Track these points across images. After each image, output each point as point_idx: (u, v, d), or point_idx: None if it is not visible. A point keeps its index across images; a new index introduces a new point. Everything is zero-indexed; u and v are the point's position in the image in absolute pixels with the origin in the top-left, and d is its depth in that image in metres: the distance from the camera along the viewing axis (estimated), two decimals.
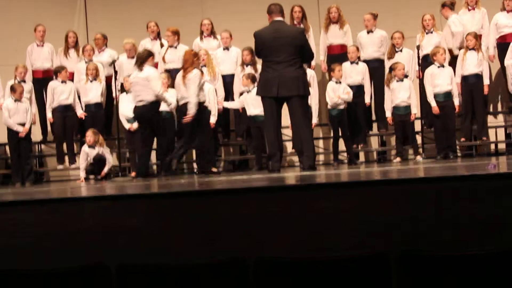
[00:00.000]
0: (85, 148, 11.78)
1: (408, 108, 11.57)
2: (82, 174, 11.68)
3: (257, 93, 9.61)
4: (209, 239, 4.91)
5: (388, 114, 11.76)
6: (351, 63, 12.33)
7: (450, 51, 12.00)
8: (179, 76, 10.78)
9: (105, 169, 11.72)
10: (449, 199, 4.85)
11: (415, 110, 11.57)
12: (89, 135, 11.71)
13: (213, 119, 11.71)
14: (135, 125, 11.71)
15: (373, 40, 12.57)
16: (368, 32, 12.57)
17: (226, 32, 12.74)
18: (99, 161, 11.73)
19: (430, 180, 5.47)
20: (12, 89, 12.06)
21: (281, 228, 4.92)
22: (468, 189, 4.89)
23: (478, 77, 11.75)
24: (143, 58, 10.77)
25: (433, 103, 11.40)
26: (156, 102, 10.81)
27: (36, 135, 13.06)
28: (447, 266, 4.06)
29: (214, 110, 11.75)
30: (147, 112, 10.78)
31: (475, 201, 4.78)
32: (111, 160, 11.91)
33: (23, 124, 12.01)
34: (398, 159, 11.52)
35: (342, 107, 11.64)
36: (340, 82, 11.70)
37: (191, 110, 10.43)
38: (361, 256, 4.19)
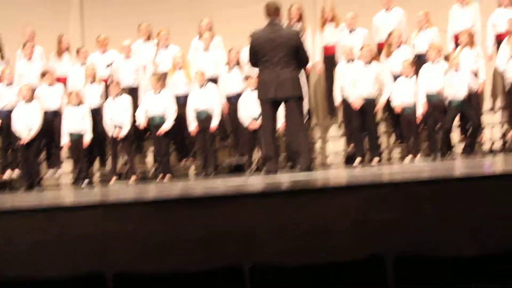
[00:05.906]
0: None
1: (413, 106, 11.40)
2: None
3: (258, 97, 9.58)
4: (205, 245, 4.90)
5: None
6: (348, 61, 12.16)
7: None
8: None
9: None
10: (443, 200, 4.84)
11: (421, 109, 11.36)
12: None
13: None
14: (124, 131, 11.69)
15: (356, 39, 12.37)
16: (350, 31, 12.40)
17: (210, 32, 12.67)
18: None
19: (424, 181, 5.45)
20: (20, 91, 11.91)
21: (276, 233, 4.90)
22: (464, 190, 4.88)
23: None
24: None
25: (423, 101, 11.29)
26: None
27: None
28: (443, 267, 4.07)
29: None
30: None
31: (469, 202, 4.77)
32: None
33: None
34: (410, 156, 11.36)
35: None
36: None
37: None
38: (357, 260, 4.19)
